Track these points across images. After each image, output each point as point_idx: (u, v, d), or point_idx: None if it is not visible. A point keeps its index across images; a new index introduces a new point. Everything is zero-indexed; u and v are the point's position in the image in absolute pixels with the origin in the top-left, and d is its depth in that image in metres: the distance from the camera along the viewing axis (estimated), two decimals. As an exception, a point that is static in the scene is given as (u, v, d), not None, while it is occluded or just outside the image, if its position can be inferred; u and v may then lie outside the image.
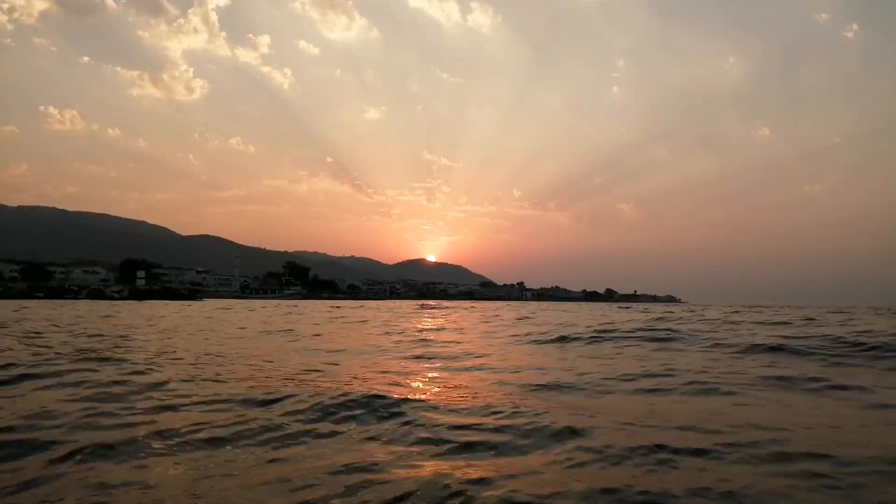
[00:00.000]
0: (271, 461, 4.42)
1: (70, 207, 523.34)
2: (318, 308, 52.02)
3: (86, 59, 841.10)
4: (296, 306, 59.09)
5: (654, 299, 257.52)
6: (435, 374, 9.28)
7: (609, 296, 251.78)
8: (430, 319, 31.42)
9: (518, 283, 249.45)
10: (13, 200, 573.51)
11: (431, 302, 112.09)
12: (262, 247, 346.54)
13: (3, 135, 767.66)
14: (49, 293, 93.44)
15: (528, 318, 32.35)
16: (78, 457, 4.43)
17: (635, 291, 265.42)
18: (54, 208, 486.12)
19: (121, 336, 16.09)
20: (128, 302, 75.68)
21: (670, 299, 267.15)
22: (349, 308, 54.71)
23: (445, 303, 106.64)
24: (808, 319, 28.80)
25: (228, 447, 4.79)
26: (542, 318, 31.41)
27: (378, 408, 6.17)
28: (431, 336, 18.24)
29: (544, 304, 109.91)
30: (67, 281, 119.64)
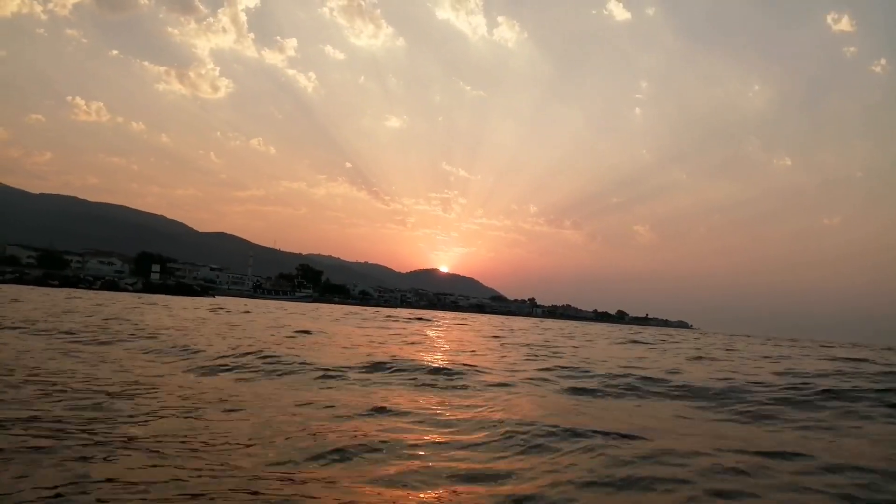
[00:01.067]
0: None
1: (90, 198, 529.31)
2: (345, 317, 51.69)
3: (115, 52, 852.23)
4: (316, 310, 58.90)
5: (666, 323, 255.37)
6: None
7: (620, 317, 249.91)
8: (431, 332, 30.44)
9: (529, 299, 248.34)
10: (35, 187, 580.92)
11: (433, 313, 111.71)
12: (277, 248, 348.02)
13: (29, 123, 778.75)
14: (63, 282, 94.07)
15: (548, 344, 24.06)
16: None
17: (647, 315, 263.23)
18: (75, 198, 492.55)
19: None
20: (141, 295, 76.05)
21: (681, 324, 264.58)
22: (373, 317, 54.24)
23: (443, 314, 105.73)
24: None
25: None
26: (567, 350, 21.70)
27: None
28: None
29: (560, 323, 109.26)
30: (83, 270, 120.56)
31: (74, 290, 76.37)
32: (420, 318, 52.60)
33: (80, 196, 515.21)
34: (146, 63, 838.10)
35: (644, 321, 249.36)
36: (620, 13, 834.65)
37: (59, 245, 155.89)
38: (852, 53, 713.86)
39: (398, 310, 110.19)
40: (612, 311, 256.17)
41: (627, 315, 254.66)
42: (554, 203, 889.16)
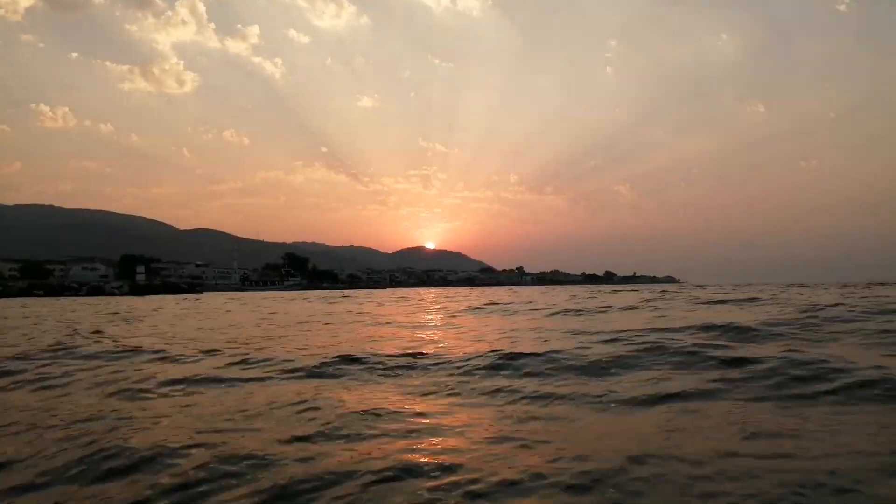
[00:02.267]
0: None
1: (66, 205, 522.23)
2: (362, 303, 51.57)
3: (74, 54, 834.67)
4: (305, 298, 58.90)
5: (653, 280, 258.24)
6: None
7: (608, 278, 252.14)
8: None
9: (517, 268, 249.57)
10: (8, 199, 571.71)
11: (423, 290, 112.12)
12: (260, 238, 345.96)
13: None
14: (48, 291, 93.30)
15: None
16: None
17: (634, 273, 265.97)
18: (51, 206, 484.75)
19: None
20: (130, 297, 75.74)
21: (669, 280, 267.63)
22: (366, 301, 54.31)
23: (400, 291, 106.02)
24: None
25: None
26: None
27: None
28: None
29: (543, 288, 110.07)
30: (67, 278, 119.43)
31: (60, 298, 75.73)
32: (403, 297, 52.73)
33: (56, 204, 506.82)
34: (108, 63, 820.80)
35: (632, 279, 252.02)
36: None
37: (40, 255, 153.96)
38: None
39: (395, 290, 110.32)
40: (600, 273, 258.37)
41: (616, 275, 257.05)
42: (534, 170, 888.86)
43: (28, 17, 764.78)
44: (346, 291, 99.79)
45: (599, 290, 65.66)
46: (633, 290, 61.10)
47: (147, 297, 70.96)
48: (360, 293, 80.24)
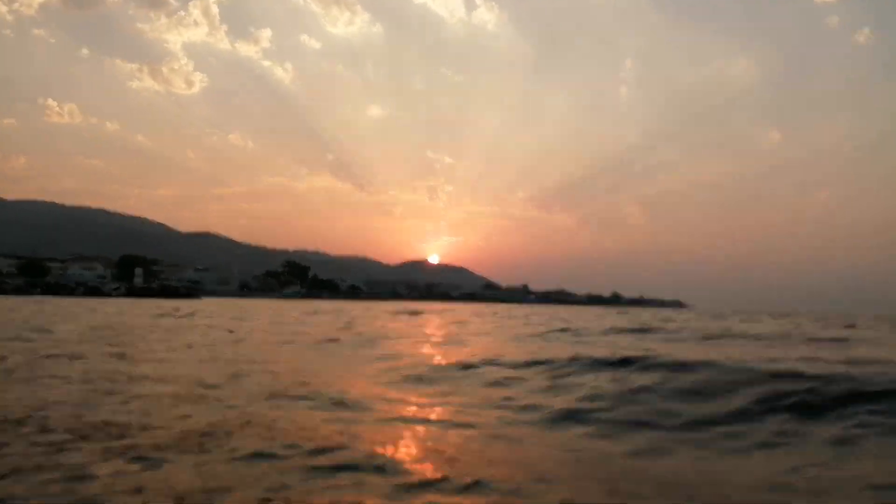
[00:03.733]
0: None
1: (69, 202, 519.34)
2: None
3: (85, 51, 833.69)
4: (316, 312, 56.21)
5: (661, 304, 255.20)
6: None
7: (615, 300, 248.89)
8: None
9: (522, 286, 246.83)
10: (11, 193, 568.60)
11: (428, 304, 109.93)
12: (262, 244, 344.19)
13: (2, 127, 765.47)
14: (46, 289, 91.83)
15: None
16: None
17: (641, 296, 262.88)
18: (53, 203, 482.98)
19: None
20: (127, 300, 73.15)
21: (676, 304, 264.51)
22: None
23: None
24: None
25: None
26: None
27: None
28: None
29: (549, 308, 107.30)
30: (65, 277, 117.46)
31: (57, 297, 73.21)
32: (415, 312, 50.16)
33: (59, 201, 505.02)
34: (118, 60, 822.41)
35: (638, 302, 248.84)
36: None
37: (42, 252, 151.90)
38: (835, 23, 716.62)
39: (400, 302, 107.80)
40: (607, 294, 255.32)
41: (622, 297, 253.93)
42: (543, 187, 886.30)
43: (42, 11, 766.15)
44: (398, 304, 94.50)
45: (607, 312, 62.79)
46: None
47: (139, 301, 68.17)
48: (381, 305, 77.24)
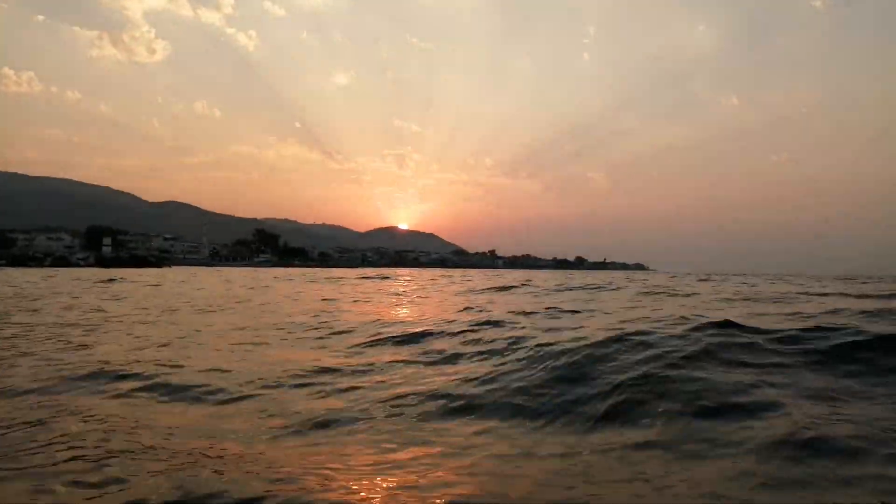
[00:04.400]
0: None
1: (31, 172, 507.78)
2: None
3: (40, 17, 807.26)
4: (286, 277, 58.48)
5: (624, 266, 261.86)
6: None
7: (579, 263, 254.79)
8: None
9: (490, 252, 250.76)
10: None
11: (395, 270, 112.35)
12: (231, 213, 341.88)
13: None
14: (12, 261, 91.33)
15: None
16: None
17: (605, 259, 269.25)
18: (15, 173, 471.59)
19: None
20: (96, 269, 74.43)
21: (639, 267, 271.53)
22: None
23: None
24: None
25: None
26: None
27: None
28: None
29: (516, 273, 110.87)
30: (31, 248, 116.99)
31: (25, 268, 74.26)
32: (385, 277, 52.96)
33: (21, 171, 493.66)
34: (76, 28, 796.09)
35: (602, 266, 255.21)
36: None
37: (5, 224, 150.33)
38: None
39: (364, 269, 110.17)
40: (572, 258, 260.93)
41: (586, 261, 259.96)
42: (509, 154, 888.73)
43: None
44: (333, 270, 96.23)
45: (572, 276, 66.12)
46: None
47: (110, 270, 69.78)
48: (350, 272, 79.33)
